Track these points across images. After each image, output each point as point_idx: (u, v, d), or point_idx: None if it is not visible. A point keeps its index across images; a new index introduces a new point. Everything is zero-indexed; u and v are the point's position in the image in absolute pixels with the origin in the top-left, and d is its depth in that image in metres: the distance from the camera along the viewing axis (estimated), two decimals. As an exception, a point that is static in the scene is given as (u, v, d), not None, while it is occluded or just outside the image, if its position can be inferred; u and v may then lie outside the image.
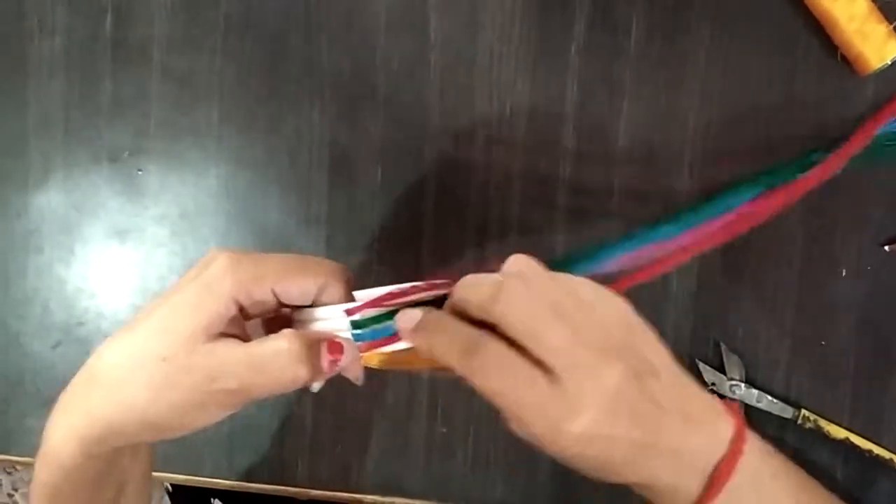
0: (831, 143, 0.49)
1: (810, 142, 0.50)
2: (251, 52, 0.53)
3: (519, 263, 0.36)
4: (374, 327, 0.37)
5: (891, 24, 0.49)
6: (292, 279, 0.35)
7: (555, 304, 0.34)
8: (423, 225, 0.52)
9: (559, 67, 0.51)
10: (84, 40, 0.54)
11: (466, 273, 0.37)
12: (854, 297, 0.51)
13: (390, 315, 0.37)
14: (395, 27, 0.52)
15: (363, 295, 0.37)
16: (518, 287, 0.34)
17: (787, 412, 0.51)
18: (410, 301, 0.37)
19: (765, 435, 0.49)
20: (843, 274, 0.51)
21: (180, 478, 0.56)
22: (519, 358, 0.33)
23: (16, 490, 0.60)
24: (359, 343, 0.37)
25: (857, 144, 0.48)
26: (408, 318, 0.36)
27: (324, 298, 0.36)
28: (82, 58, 0.54)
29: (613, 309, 0.35)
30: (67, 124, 0.54)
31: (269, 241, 0.54)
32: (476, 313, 0.34)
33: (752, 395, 0.51)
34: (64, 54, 0.54)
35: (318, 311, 0.36)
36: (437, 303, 0.38)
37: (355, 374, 0.37)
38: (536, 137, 0.52)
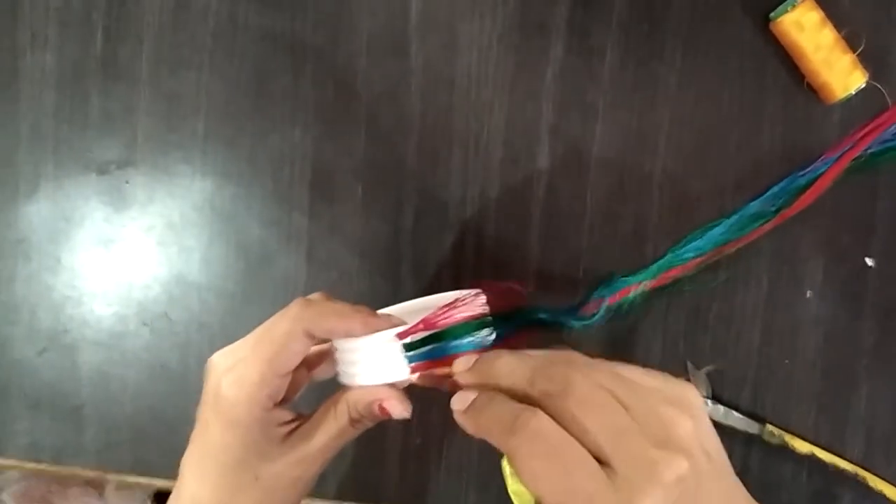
0: (798, 167, 0.50)
1: (777, 166, 0.51)
2: (238, 70, 0.53)
3: (565, 353, 0.33)
4: (422, 350, 0.36)
5: (855, 53, 0.49)
6: (349, 321, 0.36)
7: (613, 390, 0.30)
8: (402, 241, 0.52)
9: (535, 90, 0.51)
10: (75, 56, 0.54)
11: (488, 286, 0.37)
12: (818, 316, 0.51)
13: (437, 336, 0.36)
14: (377, 50, 0.52)
15: (395, 310, 0.38)
16: (571, 370, 0.30)
17: (753, 427, 0.51)
18: (454, 320, 0.36)
19: (731, 450, 0.50)
20: (808, 295, 0.51)
21: (164, 483, 0.55)
22: (571, 441, 0.29)
23: (1, 490, 0.61)
24: (411, 364, 0.36)
25: (836, 171, 0.49)
26: (463, 363, 0.34)
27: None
28: (73, 72, 0.54)
29: (676, 396, 0.31)
30: (58, 136, 0.54)
31: (250, 253, 0.53)
32: (521, 392, 0.31)
33: (719, 412, 0.51)
34: (55, 69, 0.54)
35: (364, 340, 0.36)
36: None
37: (401, 414, 0.37)
38: (512, 157, 0.52)
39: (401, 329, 0.36)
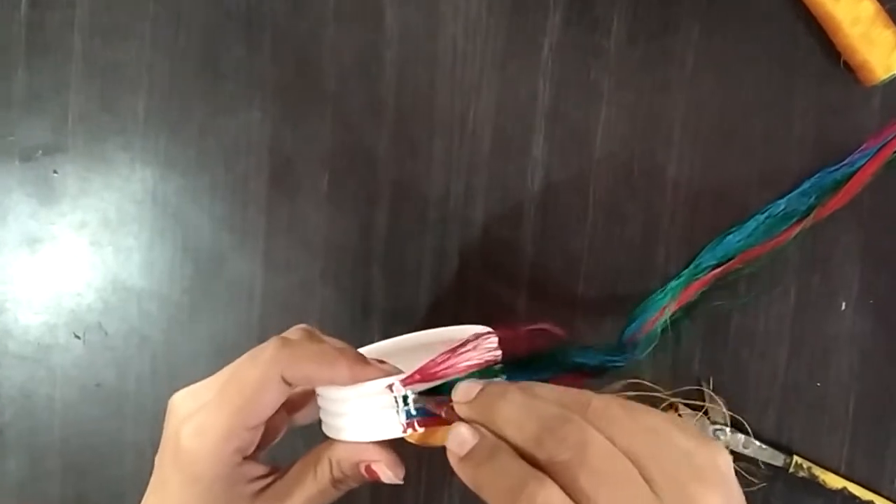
0: (831, 157, 0.48)
1: (809, 158, 0.48)
2: (185, 41, 0.50)
3: (580, 397, 0.29)
4: (419, 405, 0.33)
5: (900, 28, 0.46)
6: (330, 366, 0.34)
7: (636, 455, 0.27)
8: (374, 242, 0.50)
9: (530, 68, 0.49)
10: (-5, 23, 0.51)
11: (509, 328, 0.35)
12: (854, 332, 0.49)
13: (437, 388, 0.33)
14: (346, 17, 0.49)
15: (373, 350, 0.36)
16: (586, 430, 0.27)
17: (777, 459, 0.48)
18: (457, 370, 0.33)
19: (753, 484, 0.48)
20: (843, 307, 0.49)
21: None
22: None
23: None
24: (407, 420, 0.33)
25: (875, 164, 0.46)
26: (463, 392, 0.31)
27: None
28: (-7, 43, 0.51)
29: (707, 465, 0.28)
30: (-24, 118, 0.52)
31: (199, 255, 0.51)
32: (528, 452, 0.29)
33: (739, 441, 0.48)
34: (-27, 39, 0.51)
35: (352, 390, 0.34)
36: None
37: (392, 480, 0.35)
38: (503, 146, 0.49)
39: (394, 379, 0.33)
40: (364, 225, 0.50)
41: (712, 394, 0.48)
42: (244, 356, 0.34)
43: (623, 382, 0.47)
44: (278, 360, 0.33)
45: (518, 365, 0.35)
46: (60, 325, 0.51)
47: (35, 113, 0.51)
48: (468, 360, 0.33)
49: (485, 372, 0.33)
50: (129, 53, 0.50)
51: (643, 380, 0.48)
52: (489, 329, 0.34)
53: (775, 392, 0.49)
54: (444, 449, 0.31)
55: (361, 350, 0.37)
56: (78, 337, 0.51)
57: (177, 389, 0.35)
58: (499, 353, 0.34)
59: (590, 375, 0.44)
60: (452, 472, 0.30)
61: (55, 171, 0.51)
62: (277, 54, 0.49)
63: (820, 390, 0.49)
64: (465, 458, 0.30)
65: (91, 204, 0.51)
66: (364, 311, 0.49)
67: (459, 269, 0.49)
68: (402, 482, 0.35)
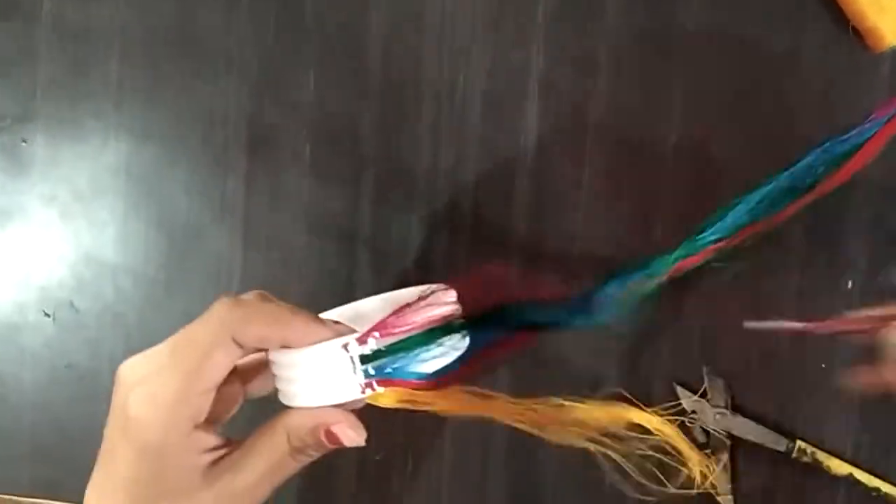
0: (839, 127, 0.45)
1: (815, 127, 0.47)
2: (160, 3, 0.49)
3: None
4: (387, 363, 0.33)
5: (912, -8, 0.45)
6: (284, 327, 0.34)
7: None
8: (359, 216, 0.49)
9: (522, 34, 0.48)
10: (-41, -16, 0.50)
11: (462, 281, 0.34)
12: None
13: (407, 344, 0.33)
14: None
15: (345, 311, 0.36)
16: None
17: (780, 444, 0.47)
18: (416, 325, 0.33)
19: (754, 470, 0.47)
20: (850, 286, 0.47)
21: None
22: None
23: None
24: (364, 381, 0.33)
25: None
26: None
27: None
28: (-43, 6, 0.50)
29: None
30: (-60, 85, 0.51)
31: (175, 229, 0.50)
32: None
33: (740, 425, 0.47)
34: (-64, 1, 0.50)
35: (305, 352, 0.33)
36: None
37: (354, 441, 0.34)
38: (495, 116, 0.48)
39: (349, 338, 0.33)
40: (349, 198, 0.49)
41: (713, 375, 0.47)
42: (195, 320, 0.34)
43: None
44: (229, 320, 0.32)
45: (480, 321, 0.34)
46: (30, 303, 0.51)
47: (2, 80, 0.50)
48: (426, 314, 0.32)
49: (446, 328, 0.33)
50: (101, 17, 0.49)
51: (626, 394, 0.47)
52: (446, 286, 0.34)
53: (778, 374, 0.47)
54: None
55: (328, 313, 0.37)
56: (48, 315, 0.50)
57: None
58: (457, 307, 0.33)
59: (545, 331, 0.43)
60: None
61: (24, 141, 0.50)
62: (256, 17, 0.49)
63: (825, 372, 0.47)
64: None
65: (62, 175, 0.50)
66: (349, 289, 0.48)
67: (449, 243, 0.48)
68: (364, 444, 0.34)
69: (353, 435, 0.34)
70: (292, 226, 0.49)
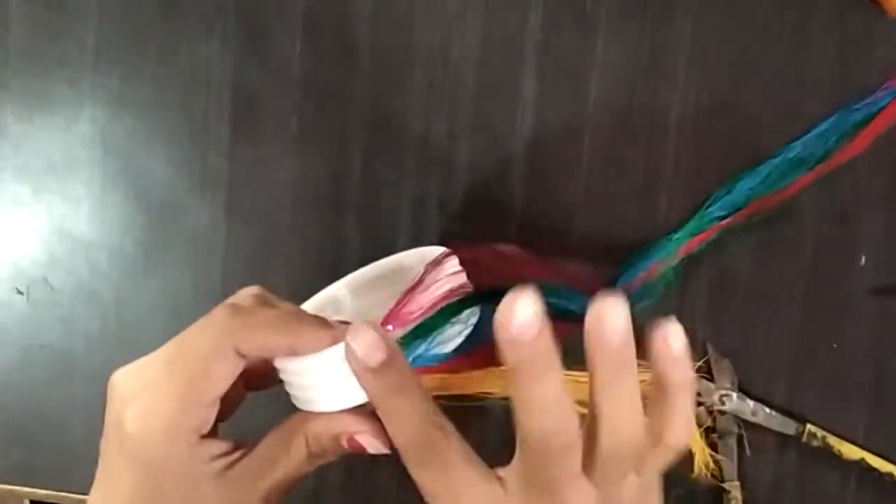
0: (851, 96, 0.45)
1: (826, 96, 0.45)
2: None
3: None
4: (406, 353, 0.32)
5: (930, -48, 0.43)
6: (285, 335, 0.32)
7: None
8: (348, 189, 0.47)
9: None
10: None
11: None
12: (875, 289, 0.46)
13: (422, 330, 0.32)
14: None
15: (327, 298, 0.35)
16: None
17: (789, 427, 0.46)
18: (435, 301, 0.32)
19: (762, 455, 0.46)
20: (863, 261, 0.46)
21: (43, 493, 0.50)
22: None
23: None
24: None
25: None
26: (363, 345, 0.30)
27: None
28: (-77, -33, 0.48)
29: None
30: None
31: (153, 203, 0.48)
32: None
33: (747, 408, 0.46)
34: None
35: (315, 359, 0.31)
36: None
37: (379, 449, 0.33)
38: (490, 82, 0.46)
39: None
40: (336, 171, 0.47)
41: (718, 355, 0.46)
42: (191, 327, 0.32)
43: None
44: (230, 330, 0.31)
45: (493, 297, 0.31)
46: (1, 280, 0.49)
47: (-29, 46, 0.48)
48: (436, 291, 0.31)
49: (458, 304, 0.31)
50: (76, -21, 0.47)
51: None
52: (445, 249, 0.32)
53: (787, 354, 0.46)
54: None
55: (309, 302, 0.35)
56: (21, 293, 0.49)
57: (130, 351, 0.33)
58: (463, 276, 0.32)
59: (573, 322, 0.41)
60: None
61: (-6, 111, 0.48)
62: (240, -21, 0.47)
63: (836, 352, 0.46)
64: (377, 385, 0.29)
65: (34, 147, 0.48)
66: (336, 267, 0.46)
67: (441, 220, 0.47)
68: (389, 452, 0.33)
69: (378, 444, 0.33)
70: (277, 199, 0.47)
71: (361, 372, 0.29)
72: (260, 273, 0.47)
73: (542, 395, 0.26)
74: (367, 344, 0.29)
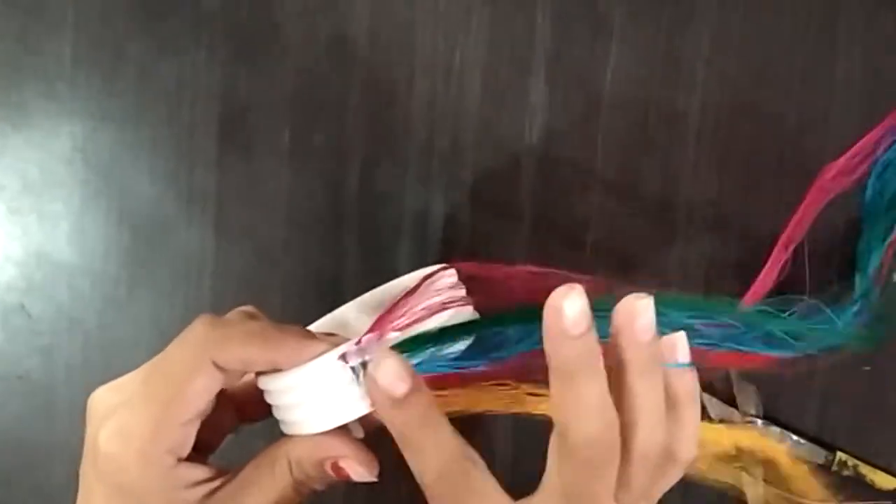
0: (882, 101, 0.44)
1: (854, 100, 0.45)
2: None
3: None
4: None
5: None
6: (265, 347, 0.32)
7: None
8: (345, 205, 0.47)
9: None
10: None
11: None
12: None
13: (417, 344, 0.31)
14: None
15: (324, 325, 0.36)
16: None
17: (818, 456, 0.46)
18: (427, 310, 0.31)
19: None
20: (894, 279, 0.45)
21: None
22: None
23: None
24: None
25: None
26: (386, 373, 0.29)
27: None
28: None
29: None
30: None
31: (138, 223, 0.47)
32: None
33: (773, 435, 0.45)
34: None
35: (297, 373, 0.31)
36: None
37: (364, 477, 0.33)
38: (496, 92, 0.46)
39: (346, 346, 0.30)
40: (333, 186, 0.47)
41: (743, 381, 0.45)
42: (173, 341, 0.32)
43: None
44: (209, 341, 0.31)
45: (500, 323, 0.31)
46: None
47: (-57, 57, 0.47)
48: (429, 301, 0.31)
49: (461, 329, 0.30)
50: (53, -15, 0.47)
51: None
52: (445, 265, 0.33)
53: (816, 378, 0.45)
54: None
55: (318, 323, 0.36)
56: None
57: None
58: (463, 290, 0.32)
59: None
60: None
61: (-33, 126, 0.47)
62: (228, -17, 0.46)
63: (869, 375, 0.46)
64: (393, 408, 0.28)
65: (9, 164, 0.48)
66: (334, 287, 0.46)
67: (445, 236, 0.47)
68: (376, 480, 0.33)
69: (362, 471, 0.32)
70: (270, 216, 0.47)
71: (385, 403, 0.28)
72: (254, 294, 0.46)
73: (588, 396, 0.26)
74: (390, 373, 0.28)
